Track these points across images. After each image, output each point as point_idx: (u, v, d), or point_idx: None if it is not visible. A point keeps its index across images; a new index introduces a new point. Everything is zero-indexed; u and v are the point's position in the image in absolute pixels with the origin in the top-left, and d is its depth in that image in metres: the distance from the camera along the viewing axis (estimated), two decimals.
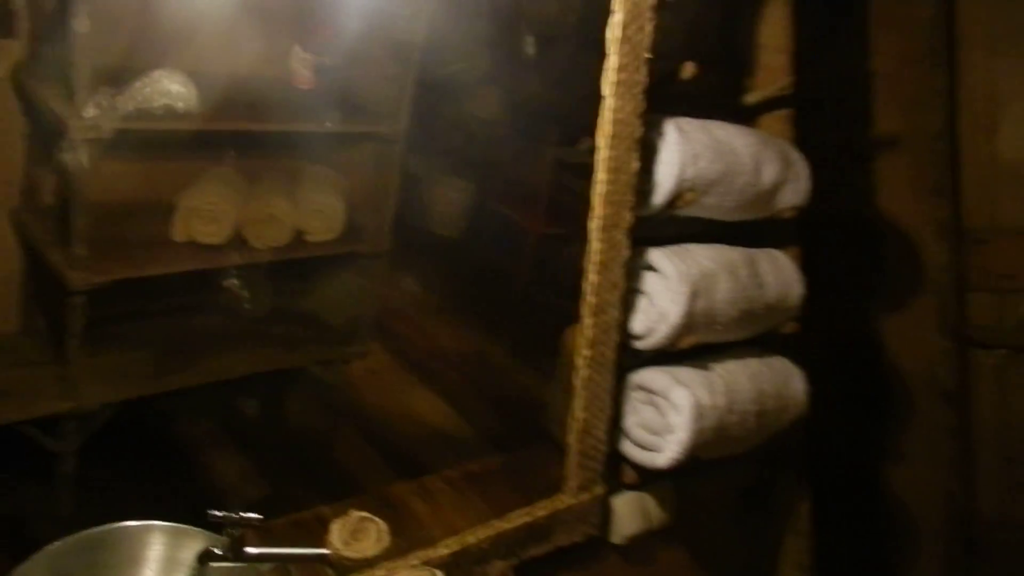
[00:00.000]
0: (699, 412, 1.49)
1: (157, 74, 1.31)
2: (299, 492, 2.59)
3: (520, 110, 2.79)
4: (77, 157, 1.96)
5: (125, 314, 2.51)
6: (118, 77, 2.16)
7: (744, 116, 2.01)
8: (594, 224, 1.10)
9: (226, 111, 2.27)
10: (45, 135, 2.02)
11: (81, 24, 1.84)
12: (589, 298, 1.12)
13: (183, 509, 2.37)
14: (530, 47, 2.60)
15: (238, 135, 2.41)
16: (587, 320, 1.13)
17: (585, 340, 1.14)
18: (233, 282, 2.68)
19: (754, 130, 1.88)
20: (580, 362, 1.15)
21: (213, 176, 2.46)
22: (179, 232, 2.31)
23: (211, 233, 2.33)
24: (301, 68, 2.57)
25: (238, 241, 2.39)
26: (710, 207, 1.64)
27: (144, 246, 2.25)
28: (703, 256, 1.63)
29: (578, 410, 1.17)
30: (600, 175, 1.07)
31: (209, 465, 2.60)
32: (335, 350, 2.77)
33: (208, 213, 2.32)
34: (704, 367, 1.63)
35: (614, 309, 1.13)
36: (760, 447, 1.90)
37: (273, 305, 2.84)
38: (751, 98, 1.97)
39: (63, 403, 2.14)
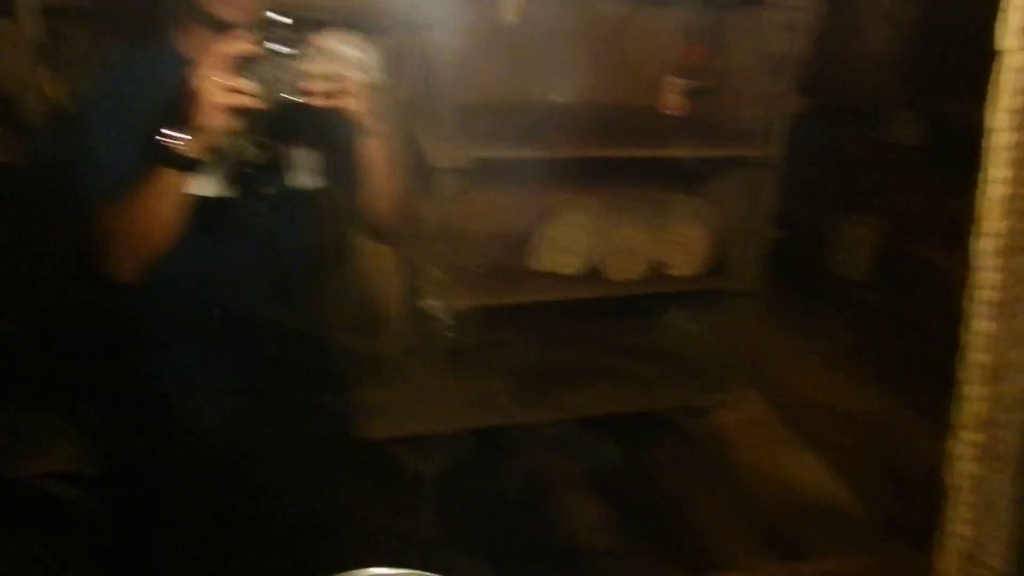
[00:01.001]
0: None
1: (329, 37, 1.19)
2: (648, 549, 2.37)
3: (947, 133, 2.29)
4: (443, 186, 2.01)
5: (485, 343, 2.56)
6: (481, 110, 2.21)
7: None
8: (984, 245, 0.73)
9: (590, 139, 2.18)
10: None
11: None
12: (977, 356, 0.74)
13: (528, 546, 2.32)
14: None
15: (601, 163, 2.30)
16: (973, 389, 0.75)
17: (971, 419, 0.76)
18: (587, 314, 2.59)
19: None
20: (961, 450, 0.77)
21: (574, 205, 2.39)
22: (536, 261, 2.26)
23: (567, 264, 2.25)
24: (671, 93, 2.41)
25: (594, 273, 2.28)
26: None
27: (503, 275, 2.24)
28: None
29: (957, 522, 0.78)
30: (995, 170, 0.70)
31: (558, 504, 2.51)
32: (698, 396, 2.51)
33: (565, 243, 2.24)
34: None
35: (1021, 375, 0.74)
36: None
37: (632, 343, 2.68)
38: None
39: (434, 425, 2.20)
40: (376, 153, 1.29)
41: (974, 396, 0.75)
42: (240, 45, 1.11)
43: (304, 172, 1.35)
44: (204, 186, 1.26)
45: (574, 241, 2.24)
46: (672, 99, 2.42)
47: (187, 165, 1.17)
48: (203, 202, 1.25)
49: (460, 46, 2.11)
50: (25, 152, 1.72)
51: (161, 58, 1.27)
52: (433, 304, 2.08)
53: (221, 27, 1.19)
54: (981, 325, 0.74)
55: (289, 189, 1.33)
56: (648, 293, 2.34)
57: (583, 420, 2.54)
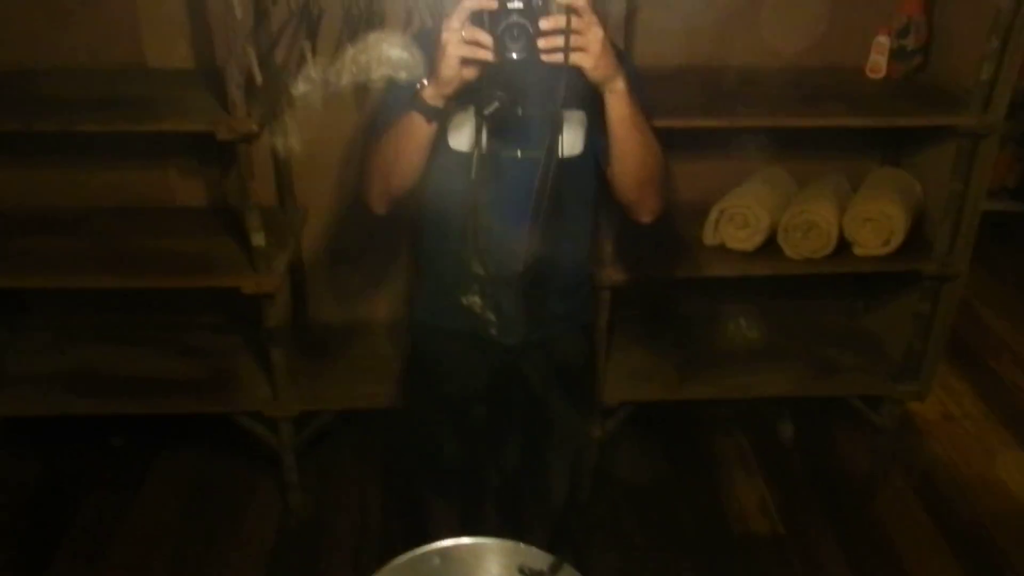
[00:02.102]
0: None
1: (374, 38, 1.18)
2: (817, 541, 2.27)
3: None
4: None
5: (651, 316, 2.52)
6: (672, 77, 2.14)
7: None
8: None
9: (781, 106, 2.06)
10: None
11: None
12: None
13: (698, 523, 2.29)
14: None
15: (792, 133, 2.17)
16: None
17: None
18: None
19: None
20: None
21: (758, 178, 2.28)
22: (709, 235, 2.19)
23: (742, 239, 2.16)
24: (879, 55, 2.21)
25: (771, 249, 2.16)
26: None
27: (675, 248, 2.18)
28: None
29: None
30: None
31: (727, 482, 2.46)
32: (884, 385, 2.33)
33: (741, 217, 2.15)
34: None
35: None
36: None
37: (814, 324, 2.53)
38: None
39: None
40: (621, 112, 1.27)
41: None
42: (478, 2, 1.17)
43: (548, 136, 1.30)
44: (461, 140, 1.37)
45: (750, 216, 2.13)
46: (881, 61, 2.21)
47: (431, 112, 1.26)
48: (459, 156, 1.36)
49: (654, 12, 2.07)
50: None
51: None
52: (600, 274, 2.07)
53: None
54: None
55: (535, 151, 1.33)
56: (830, 273, 2.19)
57: (756, 400, 2.45)
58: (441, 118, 1.28)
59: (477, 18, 1.17)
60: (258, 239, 1.94)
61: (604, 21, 1.23)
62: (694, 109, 2.02)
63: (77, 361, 2.27)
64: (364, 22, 2.01)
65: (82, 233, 2.14)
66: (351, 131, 2.18)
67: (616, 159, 1.34)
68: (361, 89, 2.12)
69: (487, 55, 1.17)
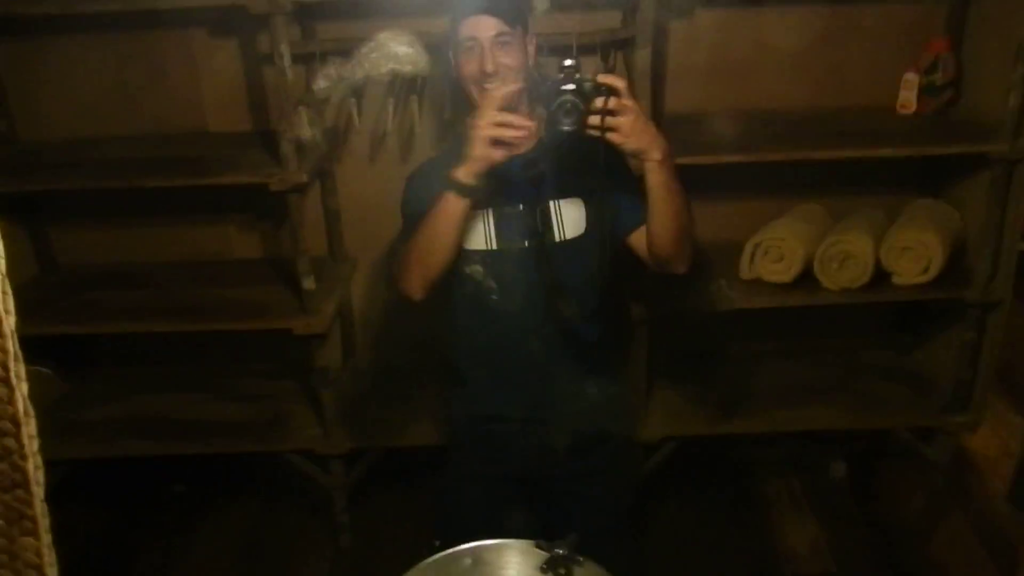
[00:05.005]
0: None
1: (383, 37, 1.27)
2: None
3: None
4: None
5: (694, 352, 2.53)
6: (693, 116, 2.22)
7: None
8: None
9: (815, 142, 2.11)
10: None
11: None
12: None
13: (748, 565, 2.26)
14: None
15: (829, 167, 2.20)
16: None
17: None
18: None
19: None
20: None
21: (793, 214, 2.31)
22: (746, 270, 2.22)
23: (779, 271, 2.18)
24: (909, 91, 2.25)
25: (809, 281, 2.18)
26: None
27: (711, 283, 2.22)
28: None
29: None
30: None
31: (778, 522, 2.42)
32: (934, 416, 2.29)
33: (776, 250, 2.18)
34: None
35: None
36: None
37: (862, 360, 2.51)
38: None
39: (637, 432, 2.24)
40: (657, 178, 1.37)
41: None
42: (506, 90, 1.35)
43: (571, 221, 1.52)
44: (475, 240, 1.51)
45: (784, 248, 2.16)
46: (910, 97, 2.26)
47: (464, 189, 1.38)
48: (473, 254, 1.51)
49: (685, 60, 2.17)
50: None
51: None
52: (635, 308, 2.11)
53: None
54: None
55: (554, 239, 1.52)
56: (869, 303, 2.19)
57: (814, 438, 2.43)
58: (476, 195, 1.40)
59: (507, 102, 1.34)
60: (308, 283, 2.05)
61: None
62: (725, 147, 2.08)
63: (140, 407, 2.40)
64: (405, 86, 2.14)
65: (146, 285, 2.29)
66: (398, 185, 2.30)
67: (654, 220, 1.44)
68: (406, 145, 2.26)
69: (515, 133, 1.33)
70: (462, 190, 1.38)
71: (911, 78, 2.25)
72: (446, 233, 1.43)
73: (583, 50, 2.04)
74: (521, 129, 1.34)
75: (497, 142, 1.33)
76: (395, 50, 1.33)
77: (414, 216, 1.51)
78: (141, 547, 2.39)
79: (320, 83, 1.27)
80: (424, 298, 1.52)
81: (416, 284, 1.51)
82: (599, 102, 1.29)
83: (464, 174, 1.37)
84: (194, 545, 2.40)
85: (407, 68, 1.34)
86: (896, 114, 2.26)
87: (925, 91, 2.24)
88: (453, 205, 1.40)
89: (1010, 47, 1.98)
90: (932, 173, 2.36)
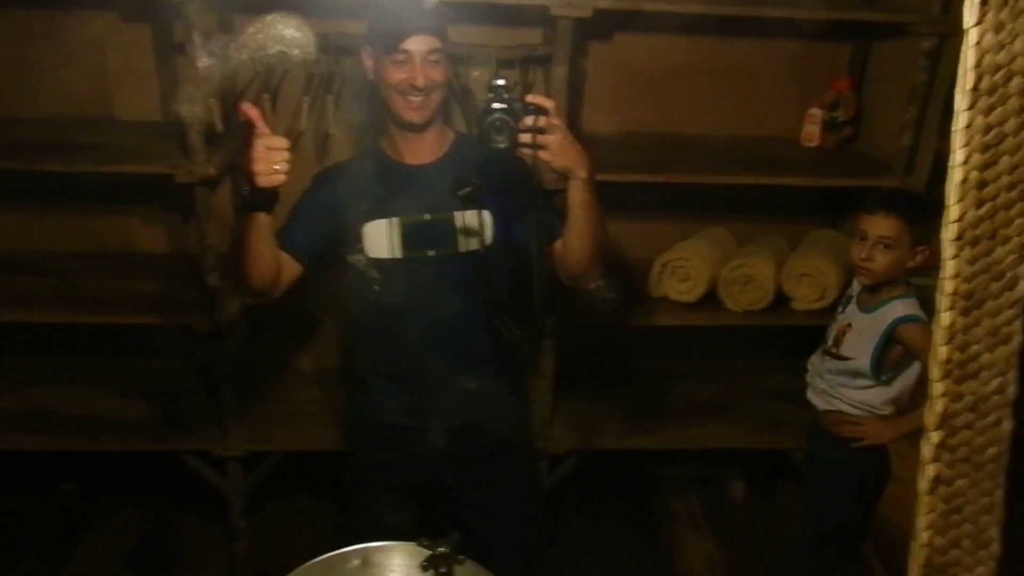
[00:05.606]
0: None
1: (270, 18, 1.28)
2: None
3: None
4: None
5: (605, 369, 2.57)
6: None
7: None
8: (946, 233, 0.69)
9: (721, 168, 2.18)
10: None
11: None
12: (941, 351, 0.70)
13: None
14: None
15: (735, 193, 2.28)
16: (937, 386, 0.71)
17: (934, 418, 0.72)
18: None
19: None
20: (927, 452, 0.73)
21: (700, 236, 2.37)
22: (654, 288, 2.27)
23: (684, 291, 2.24)
24: (812, 125, 2.35)
25: (713, 301, 2.24)
26: None
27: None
28: None
29: (923, 530, 0.73)
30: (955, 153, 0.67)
31: (678, 539, 2.46)
32: None
33: (682, 271, 2.23)
34: None
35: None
36: None
37: (761, 382, 2.59)
38: None
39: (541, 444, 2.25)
40: (580, 196, 1.38)
41: (937, 393, 0.71)
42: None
43: (474, 233, 1.52)
44: (378, 248, 1.51)
45: (690, 269, 2.22)
46: (813, 131, 2.35)
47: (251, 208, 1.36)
48: (378, 263, 1.51)
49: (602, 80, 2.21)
50: None
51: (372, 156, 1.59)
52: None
53: (412, 128, 1.51)
54: (944, 318, 0.70)
55: (456, 251, 1.53)
56: (767, 325, 2.26)
57: (703, 453, 2.48)
58: (268, 208, 1.37)
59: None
60: (212, 279, 2.00)
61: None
62: (636, 167, 2.13)
63: (28, 400, 2.29)
64: (323, 82, 2.12)
65: (44, 273, 2.20)
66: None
67: (573, 236, 1.45)
68: (322, 146, 2.24)
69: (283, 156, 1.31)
70: (250, 207, 1.35)
71: (815, 113, 2.35)
72: (249, 243, 1.39)
73: (502, 64, 2.06)
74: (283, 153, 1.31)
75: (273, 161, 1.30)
76: (282, 32, 1.31)
77: (296, 213, 1.52)
78: (25, 549, 2.28)
79: (204, 60, 1.25)
80: (271, 296, 1.49)
81: (245, 287, 1.47)
82: (528, 120, 1.30)
83: (249, 195, 1.34)
84: (79, 549, 2.30)
85: (294, 52, 1.32)
86: (800, 146, 2.36)
87: (827, 126, 2.34)
88: (251, 219, 1.37)
89: (905, 90, 2.10)
90: (832, 204, 2.46)
